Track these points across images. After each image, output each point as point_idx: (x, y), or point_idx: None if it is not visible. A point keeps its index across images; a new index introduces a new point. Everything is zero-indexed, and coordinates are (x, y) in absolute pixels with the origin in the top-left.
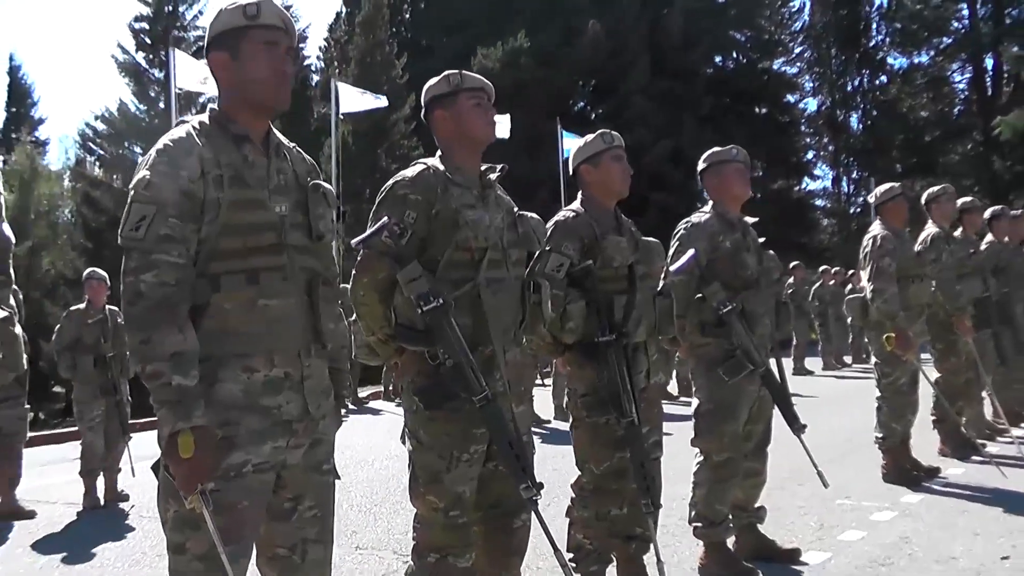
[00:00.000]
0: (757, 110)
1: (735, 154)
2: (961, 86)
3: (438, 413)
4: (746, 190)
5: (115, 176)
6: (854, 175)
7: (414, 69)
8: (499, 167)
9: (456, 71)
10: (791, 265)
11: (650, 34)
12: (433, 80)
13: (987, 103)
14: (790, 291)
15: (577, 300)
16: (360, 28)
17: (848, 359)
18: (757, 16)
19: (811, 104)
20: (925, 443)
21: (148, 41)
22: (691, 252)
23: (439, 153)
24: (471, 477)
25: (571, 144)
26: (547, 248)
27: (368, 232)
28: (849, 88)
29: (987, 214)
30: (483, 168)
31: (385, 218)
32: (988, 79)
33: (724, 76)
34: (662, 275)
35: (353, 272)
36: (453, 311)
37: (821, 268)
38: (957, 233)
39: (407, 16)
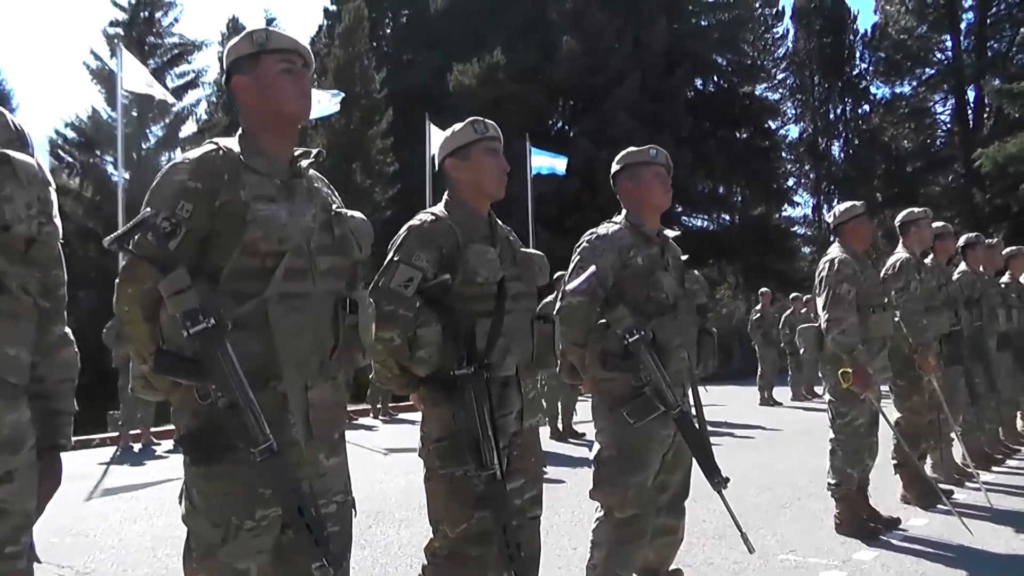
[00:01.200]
0: (738, 134)
1: (655, 155)
2: (943, 117)
3: (214, 468)
4: (666, 198)
5: (86, 184)
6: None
7: (393, 84)
8: (315, 151)
9: (263, 28)
10: (760, 292)
11: (630, 54)
12: (235, 39)
13: (969, 135)
14: (756, 317)
15: (431, 323)
16: (339, 40)
17: (819, 389)
18: (740, 40)
19: (793, 131)
20: (888, 488)
21: (124, 46)
22: (592, 268)
23: (239, 132)
24: (258, 550)
25: (541, 161)
26: (395, 258)
27: (123, 228)
28: (832, 116)
29: (961, 241)
30: (296, 153)
31: (148, 211)
32: (970, 111)
33: (705, 99)
34: (559, 294)
35: (116, 281)
36: (234, 334)
37: (792, 295)
38: (928, 260)
39: (388, 31)
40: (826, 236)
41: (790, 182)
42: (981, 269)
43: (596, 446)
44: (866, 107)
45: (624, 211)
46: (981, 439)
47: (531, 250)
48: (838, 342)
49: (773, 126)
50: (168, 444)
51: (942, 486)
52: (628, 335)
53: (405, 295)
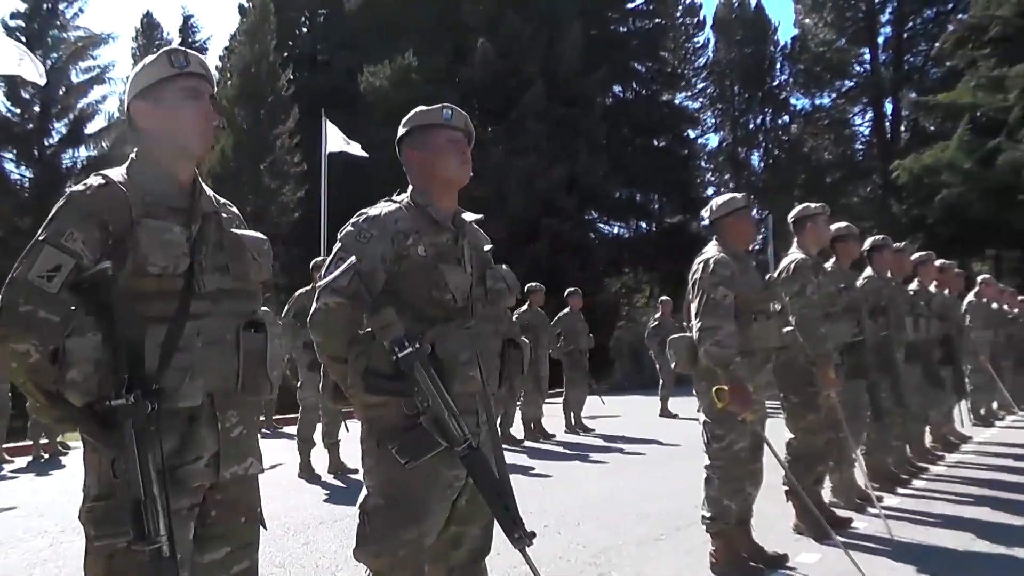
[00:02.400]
0: (656, 142)
1: (448, 116)
2: (862, 129)
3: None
4: (463, 171)
5: None
6: (754, 213)
7: (307, 84)
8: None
9: None
10: (660, 300)
11: (544, 58)
12: None
13: (887, 146)
14: (654, 325)
15: (86, 332)
16: (245, 37)
17: None
18: (660, 48)
19: (713, 140)
20: (779, 515)
21: (24, 39)
22: (352, 260)
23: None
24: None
25: None
26: (39, 238)
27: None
28: (751, 126)
29: (867, 245)
30: None
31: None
32: (888, 123)
33: (623, 106)
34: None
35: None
36: None
37: None
38: (829, 264)
39: (304, 30)
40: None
41: (709, 191)
42: (889, 275)
43: (363, 491)
44: (786, 118)
45: (410, 188)
46: (888, 459)
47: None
48: (712, 354)
49: (692, 135)
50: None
51: (841, 513)
52: (398, 348)
53: (48, 290)
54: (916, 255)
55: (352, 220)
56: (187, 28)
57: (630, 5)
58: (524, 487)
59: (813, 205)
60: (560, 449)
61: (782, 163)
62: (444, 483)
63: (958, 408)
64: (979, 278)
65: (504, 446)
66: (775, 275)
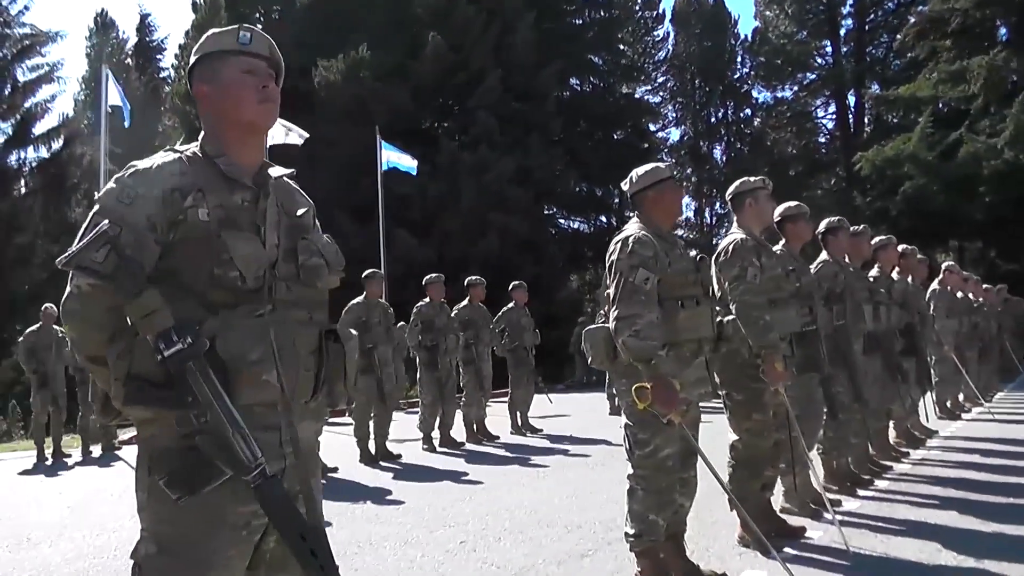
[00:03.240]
0: (615, 135)
1: (247, 40)
2: (825, 121)
3: None
4: (266, 111)
5: None
6: (717, 207)
7: None
8: None
9: None
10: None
11: (497, 51)
12: None
13: (850, 139)
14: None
15: None
16: (196, 33)
17: None
18: (616, 40)
19: (674, 134)
20: (723, 525)
21: None
22: (105, 224)
23: None
24: None
25: (391, 156)
26: None
27: None
28: (712, 119)
29: (821, 227)
30: None
31: None
32: (851, 115)
33: (580, 99)
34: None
35: None
36: None
37: None
38: (778, 247)
39: (259, 26)
40: (709, 239)
41: None
42: (846, 260)
43: (138, 536)
44: (747, 111)
45: (201, 135)
46: (846, 458)
47: None
48: (630, 347)
49: (653, 128)
50: None
51: (794, 521)
52: (163, 344)
53: None
54: (876, 239)
55: (116, 175)
56: (144, 26)
57: None
58: (452, 495)
59: (753, 179)
60: (502, 452)
61: (744, 156)
62: (235, 523)
63: (923, 401)
64: (943, 265)
65: (444, 449)
66: (716, 257)
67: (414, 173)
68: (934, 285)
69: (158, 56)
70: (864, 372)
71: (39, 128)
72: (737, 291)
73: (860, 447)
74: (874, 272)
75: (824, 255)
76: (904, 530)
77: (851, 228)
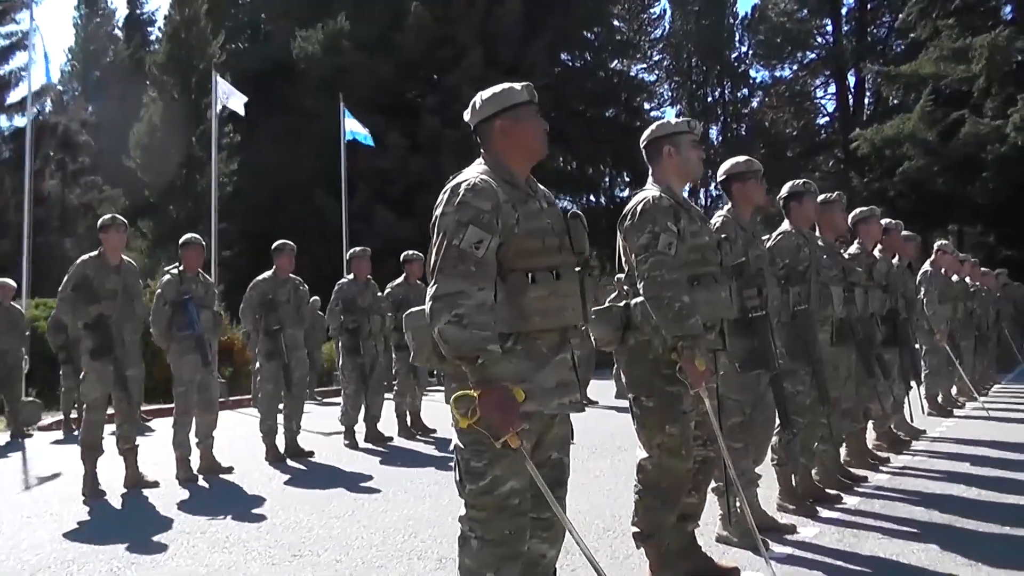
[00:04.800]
0: (605, 114)
1: None
2: (824, 102)
3: None
4: None
5: None
6: (712, 188)
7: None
8: None
9: None
10: (616, 277)
11: (483, 24)
12: None
13: (849, 119)
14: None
15: None
16: (179, 5)
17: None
18: (609, 15)
19: (670, 113)
20: (628, 557)
21: None
22: None
23: None
24: None
25: (353, 126)
26: None
27: None
28: (709, 99)
29: (784, 191)
30: None
31: None
32: (851, 95)
33: (569, 74)
34: None
35: None
36: None
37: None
38: (723, 212)
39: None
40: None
41: None
42: (818, 233)
43: None
44: (745, 91)
45: None
46: (810, 471)
47: None
48: (448, 338)
49: (648, 107)
50: None
51: (726, 560)
52: None
53: None
54: (856, 211)
55: None
56: None
57: None
58: (333, 510)
59: (675, 120)
60: (432, 450)
61: (741, 137)
62: None
63: (909, 397)
64: (936, 244)
65: (368, 445)
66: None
67: (371, 143)
68: (926, 267)
69: (148, 29)
70: (835, 366)
71: (13, 96)
72: (646, 265)
73: (829, 455)
74: (853, 249)
75: (785, 225)
76: (870, 571)
77: (824, 196)
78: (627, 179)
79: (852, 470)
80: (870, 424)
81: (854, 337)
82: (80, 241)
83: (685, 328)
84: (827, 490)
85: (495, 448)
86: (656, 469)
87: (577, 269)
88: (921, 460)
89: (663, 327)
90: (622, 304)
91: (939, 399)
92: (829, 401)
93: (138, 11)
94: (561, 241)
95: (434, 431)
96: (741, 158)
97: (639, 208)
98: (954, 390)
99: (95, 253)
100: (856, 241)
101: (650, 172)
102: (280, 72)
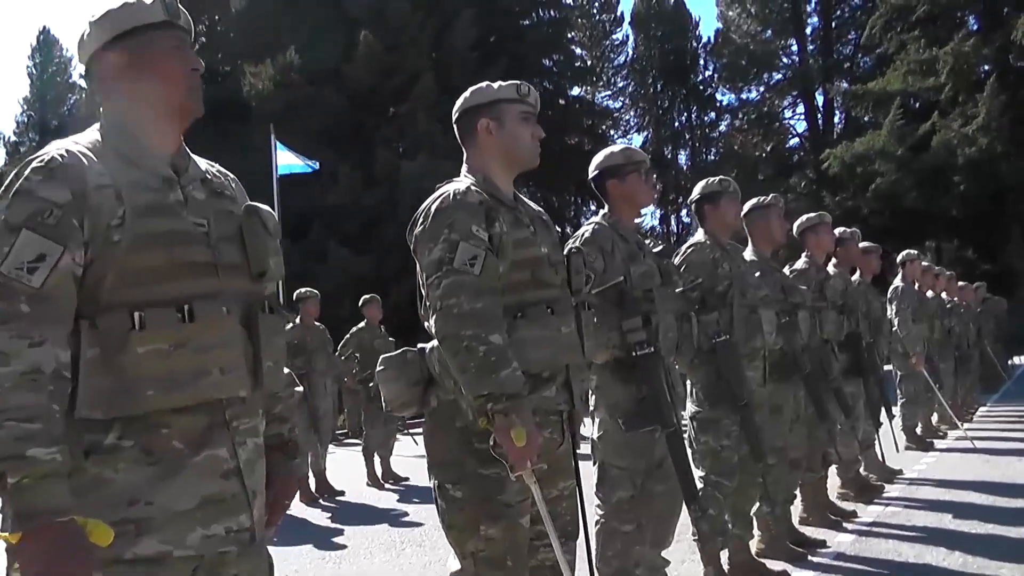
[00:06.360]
0: (567, 140)
1: None
2: (794, 122)
3: None
4: None
5: None
6: (683, 215)
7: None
8: None
9: None
10: None
11: (434, 48)
12: None
13: (819, 139)
14: None
15: None
16: None
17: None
18: (566, 42)
19: (636, 140)
20: None
21: None
22: None
23: None
24: None
25: (286, 159)
26: None
27: None
28: (676, 124)
29: (696, 191)
30: None
31: None
32: (820, 115)
33: None
34: None
35: None
36: None
37: None
38: (600, 220)
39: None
40: (674, 248)
41: None
42: (752, 246)
43: None
44: (712, 114)
45: None
46: (746, 542)
47: None
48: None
49: (613, 134)
50: None
51: None
52: None
53: None
54: (804, 217)
55: None
56: None
57: None
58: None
59: (499, 84)
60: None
61: (711, 161)
62: None
63: (879, 433)
64: (900, 255)
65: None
66: None
67: (315, 168)
68: (896, 282)
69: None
70: (776, 408)
71: None
72: (438, 290)
73: (778, 519)
74: (800, 263)
75: (699, 235)
76: None
77: (756, 200)
78: (592, 208)
79: (807, 530)
80: (832, 470)
81: (799, 371)
82: None
83: (494, 383)
84: (766, 566)
85: None
86: None
87: None
88: (894, 513)
89: (461, 382)
90: (417, 349)
91: (918, 430)
92: (763, 456)
93: None
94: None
95: (341, 493)
96: (618, 148)
97: (433, 208)
98: (934, 418)
99: None
100: (803, 254)
101: (464, 159)
102: (231, 111)
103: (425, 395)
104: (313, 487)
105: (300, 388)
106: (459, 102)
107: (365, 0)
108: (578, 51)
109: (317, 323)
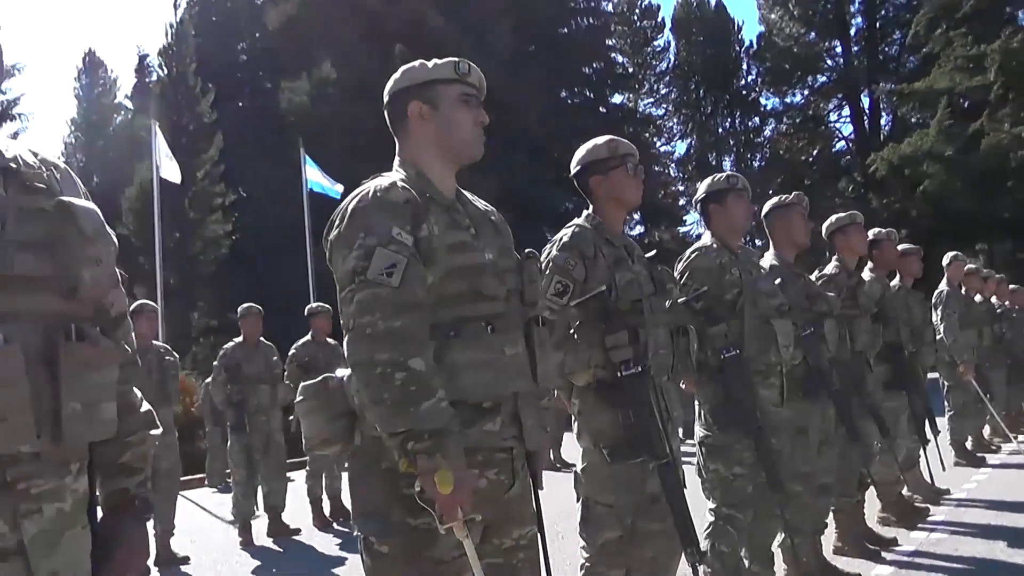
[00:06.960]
0: None
1: None
2: (839, 125)
3: None
4: None
5: None
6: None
7: (233, 111)
8: None
9: None
10: None
11: (470, 58)
12: None
13: (866, 141)
14: None
15: None
16: (162, 59)
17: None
18: (606, 49)
19: (680, 147)
20: None
21: None
22: None
23: None
24: None
25: (315, 176)
26: None
27: None
28: (720, 130)
29: (701, 189)
30: None
31: None
32: (866, 117)
33: (567, 110)
34: None
35: None
36: None
37: None
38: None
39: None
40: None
41: (681, 201)
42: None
43: None
44: (756, 119)
45: None
46: None
47: None
48: None
49: (657, 142)
50: None
51: None
52: None
53: None
54: (834, 217)
55: None
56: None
57: (570, 4)
58: None
59: (434, 63)
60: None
61: (756, 167)
62: None
63: (925, 449)
64: (946, 257)
65: (269, 542)
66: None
67: (338, 196)
68: (942, 286)
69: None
70: (801, 430)
71: None
72: (351, 306)
73: (806, 551)
74: (829, 268)
75: (705, 238)
76: None
77: (779, 197)
78: (636, 217)
79: (844, 562)
80: (872, 492)
81: (827, 387)
82: None
83: (413, 418)
84: None
85: None
86: None
87: None
88: (939, 540)
89: (374, 416)
90: (338, 377)
91: (968, 445)
92: (781, 485)
93: (147, 79)
94: None
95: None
96: (603, 140)
97: (349, 208)
98: (986, 431)
99: None
100: (833, 258)
101: (396, 151)
102: (271, 125)
103: (351, 431)
104: (328, 511)
105: (158, 431)
106: (388, 84)
107: (400, 14)
108: (619, 58)
109: (329, 339)
